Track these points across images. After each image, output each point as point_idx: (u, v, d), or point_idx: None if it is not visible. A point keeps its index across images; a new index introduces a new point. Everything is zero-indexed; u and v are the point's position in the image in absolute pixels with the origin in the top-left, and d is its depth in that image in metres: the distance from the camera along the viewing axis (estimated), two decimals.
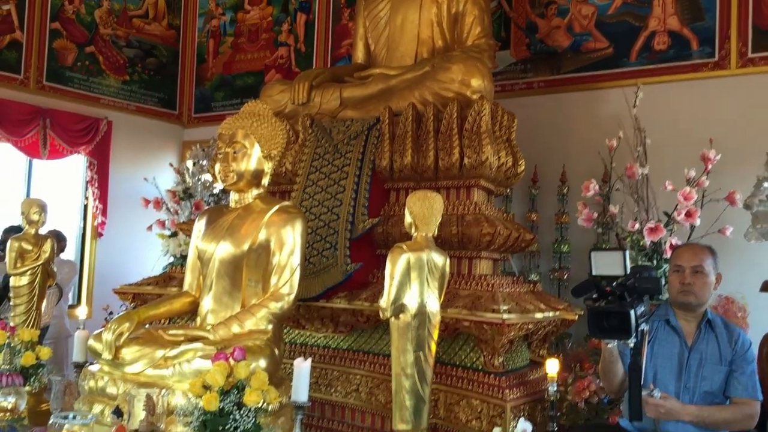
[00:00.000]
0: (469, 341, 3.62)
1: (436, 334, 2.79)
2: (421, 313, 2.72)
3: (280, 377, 3.40)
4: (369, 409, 3.85)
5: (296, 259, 3.52)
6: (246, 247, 3.56)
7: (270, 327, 3.46)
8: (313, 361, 3.19)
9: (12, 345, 2.94)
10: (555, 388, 3.06)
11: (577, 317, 3.91)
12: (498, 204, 4.85)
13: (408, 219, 2.86)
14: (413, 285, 2.72)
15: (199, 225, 3.85)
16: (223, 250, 3.62)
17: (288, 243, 3.53)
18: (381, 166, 4.30)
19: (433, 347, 2.77)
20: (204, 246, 3.72)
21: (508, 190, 5.19)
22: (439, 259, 2.81)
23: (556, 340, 4.40)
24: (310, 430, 4.00)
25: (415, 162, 4.18)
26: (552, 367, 3.06)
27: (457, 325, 3.50)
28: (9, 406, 2.63)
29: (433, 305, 2.77)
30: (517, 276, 4.35)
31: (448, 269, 2.88)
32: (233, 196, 3.77)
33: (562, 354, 3.83)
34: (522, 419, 2.36)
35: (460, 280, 3.82)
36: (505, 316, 3.32)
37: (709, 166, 4.36)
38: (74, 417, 2.63)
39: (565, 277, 5.26)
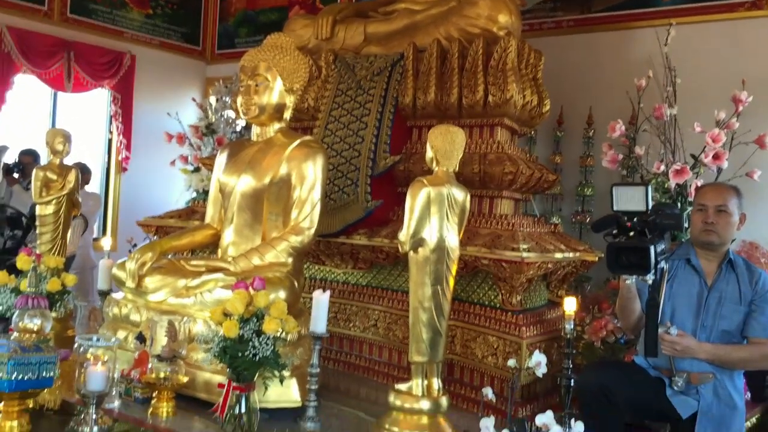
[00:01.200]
0: (488, 279, 3.63)
1: (454, 269, 2.79)
2: (440, 248, 2.71)
3: (299, 309, 3.45)
4: (386, 344, 3.91)
5: (317, 194, 3.52)
6: (267, 180, 3.57)
7: (290, 260, 3.50)
8: (332, 297, 3.23)
9: (38, 271, 3.00)
10: (572, 326, 3.06)
11: (597, 259, 3.90)
12: (521, 145, 4.79)
13: (429, 153, 2.83)
14: (433, 219, 2.70)
15: (221, 158, 3.86)
16: (244, 183, 3.63)
17: (309, 177, 3.53)
18: (404, 103, 4.25)
19: (451, 282, 2.77)
20: (225, 179, 3.74)
21: (533, 132, 5.12)
22: (460, 195, 2.79)
23: (575, 282, 4.39)
24: (329, 363, 4.08)
25: (439, 99, 4.12)
26: (570, 304, 3.06)
27: (476, 263, 3.50)
28: (35, 328, 2.70)
29: (453, 240, 2.76)
30: (538, 218, 4.32)
31: (468, 205, 2.86)
32: (255, 130, 3.76)
33: (580, 296, 3.82)
34: (537, 351, 2.37)
35: (480, 219, 3.81)
36: (525, 254, 3.32)
37: (740, 108, 4.25)
38: (98, 340, 2.69)
39: (587, 220, 5.23)
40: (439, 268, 2.73)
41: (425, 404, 2.74)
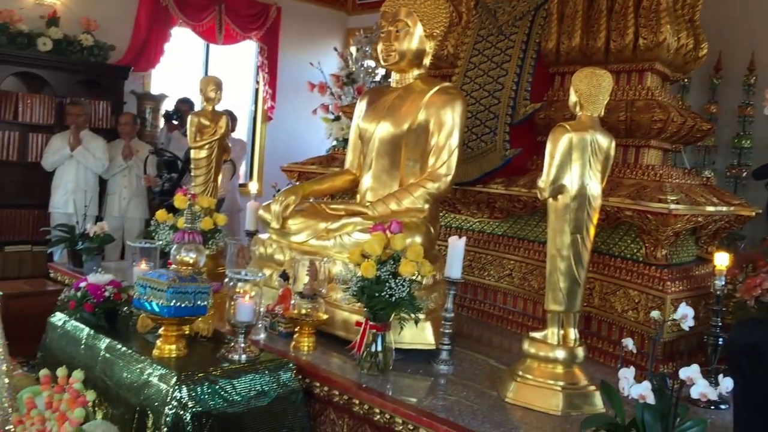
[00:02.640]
0: (630, 232, 3.48)
1: (595, 218, 2.70)
2: (581, 195, 2.62)
3: (434, 255, 3.48)
4: (521, 294, 3.87)
5: (455, 141, 3.51)
6: (405, 127, 3.59)
7: (426, 206, 3.52)
8: (467, 245, 3.22)
9: (193, 209, 3.21)
10: (723, 282, 2.89)
11: (753, 214, 3.63)
12: (673, 92, 4.50)
13: (573, 98, 2.72)
14: (574, 166, 2.61)
15: (361, 105, 3.92)
16: (383, 129, 3.68)
17: (447, 124, 3.52)
18: (547, 49, 4.10)
19: (592, 231, 2.68)
20: (365, 125, 3.80)
21: (686, 79, 4.80)
22: (604, 141, 2.67)
23: (726, 240, 4.12)
24: (462, 311, 4.10)
25: (584, 44, 3.94)
26: (721, 259, 2.88)
27: (619, 215, 3.37)
28: (190, 261, 2.89)
29: (595, 188, 2.66)
30: (688, 170, 4.07)
31: (612, 153, 2.73)
32: (394, 76, 3.78)
33: (734, 253, 3.59)
34: (683, 304, 2.25)
35: (624, 170, 3.64)
36: (672, 206, 3.14)
37: None
38: (246, 274, 2.86)
39: (744, 174, 4.87)
40: (580, 216, 2.65)
41: (560, 353, 2.71)
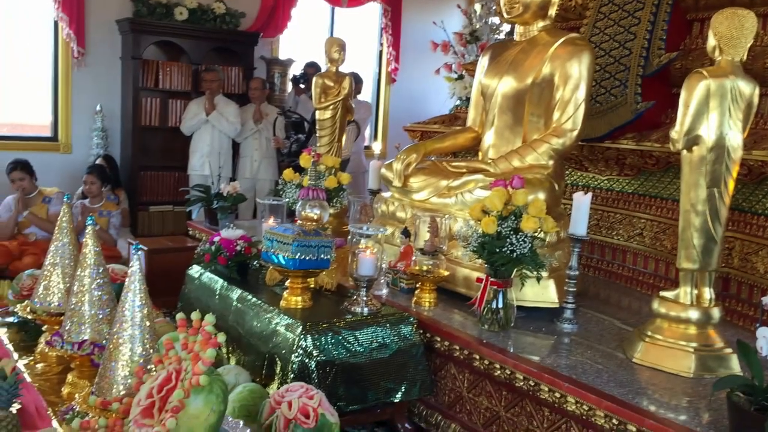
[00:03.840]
0: None
1: (735, 171, 2.51)
2: (719, 146, 2.44)
3: (558, 213, 3.39)
4: (652, 254, 3.70)
5: (581, 94, 3.37)
6: (529, 81, 3.49)
7: (550, 163, 3.43)
8: (594, 203, 3.12)
9: (317, 167, 3.29)
10: None
11: None
12: None
13: (711, 41, 2.52)
14: (711, 115, 2.43)
15: (483, 60, 3.85)
16: (505, 85, 3.59)
17: (573, 77, 3.38)
18: None
19: (731, 185, 2.50)
20: (487, 81, 3.73)
21: None
22: (747, 88, 2.47)
23: None
24: (589, 270, 3.99)
25: None
26: None
27: (763, 170, 3.12)
28: (315, 217, 2.98)
29: (735, 139, 2.47)
30: None
31: (756, 100, 2.52)
32: (518, 29, 3.66)
33: None
34: None
35: None
36: None
37: None
38: (368, 229, 2.90)
39: None
40: (717, 168, 2.48)
41: (693, 314, 2.57)
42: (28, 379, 2.56)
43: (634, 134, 3.74)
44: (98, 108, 6.42)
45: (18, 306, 3.05)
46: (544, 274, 2.98)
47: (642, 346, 2.64)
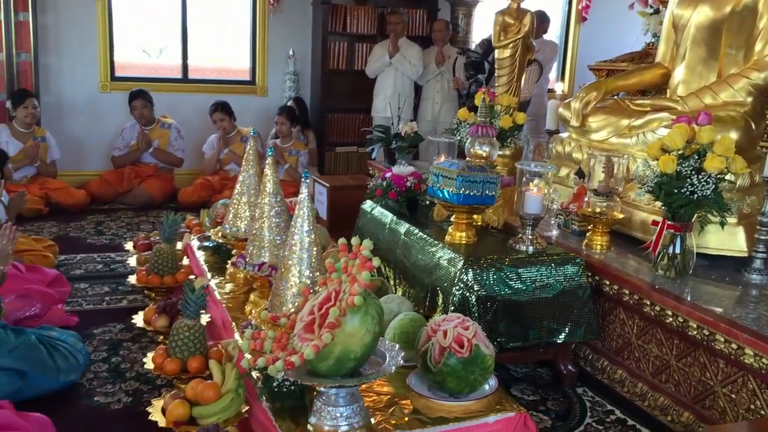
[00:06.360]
0: None
1: None
2: None
3: (755, 155, 3.09)
4: None
5: None
6: (728, 9, 3.18)
7: (749, 100, 3.13)
8: None
9: (487, 103, 3.23)
10: None
11: None
12: None
13: None
14: None
15: None
16: (701, 14, 3.30)
17: None
18: None
19: None
20: (680, 11, 3.44)
21: None
22: None
23: None
24: None
25: None
26: None
27: None
28: (483, 154, 2.96)
29: None
30: None
31: None
32: None
33: None
34: None
35: None
36: None
37: None
38: (535, 166, 2.83)
39: None
40: None
41: None
42: (218, 297, 2.83)
43: None
44: (291, 53, 6.75)
45: (212, 231, 3.37)
46: (732, 219, 2.75)
47: None
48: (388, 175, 3.39)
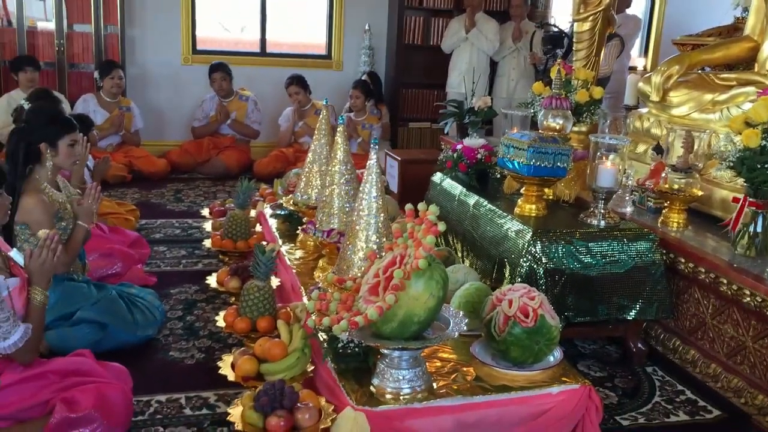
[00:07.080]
0: None
1: None
2: None
3: None
4: None
5: None
6: None
7: None
8: None
9: (562, 76, 3.16)
10: None
11: None
12: None
13: None
14: None
15: None
16: None
17: None
18: None
19: None
20: None
21: None
22: None
23: None
24: None
25: None
26: None
27: None
28: (556, 126, 2.90)
29: None
30: None
31: None
32: None
33: None
34: None
35: None
36: None
37: None
38: (610, 139, 2.75)
39: None
40: None
41: None
42: (288, 263, 2.90)
43: None
44: (366, 27, 6.76)
45: (284, 199, 3.44)
46: None
47: None
48: (458, 147, 3.38)
